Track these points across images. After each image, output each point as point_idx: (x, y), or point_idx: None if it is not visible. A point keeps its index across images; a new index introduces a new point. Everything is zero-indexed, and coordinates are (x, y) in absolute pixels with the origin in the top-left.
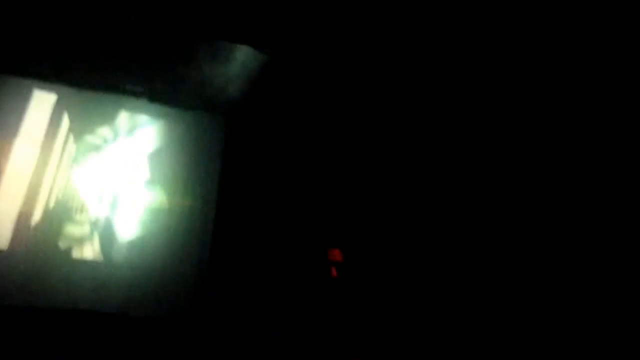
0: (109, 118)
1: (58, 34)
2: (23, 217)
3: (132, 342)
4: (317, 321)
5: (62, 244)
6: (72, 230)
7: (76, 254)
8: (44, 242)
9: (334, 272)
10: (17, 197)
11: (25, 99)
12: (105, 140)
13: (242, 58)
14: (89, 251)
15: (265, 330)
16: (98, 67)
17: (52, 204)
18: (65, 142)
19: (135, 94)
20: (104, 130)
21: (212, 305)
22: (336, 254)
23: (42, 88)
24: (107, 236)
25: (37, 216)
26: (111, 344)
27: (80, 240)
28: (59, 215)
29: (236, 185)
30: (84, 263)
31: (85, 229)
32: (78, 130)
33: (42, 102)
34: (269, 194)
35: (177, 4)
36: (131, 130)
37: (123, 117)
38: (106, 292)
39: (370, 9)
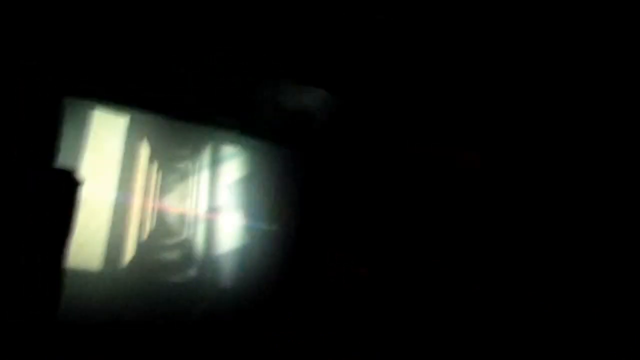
0: (193, 146)
1: (151, 66)
2: (113, 240)
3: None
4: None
5: (148, 266)
6: (161, 253)
7: (162, 276)
8: (132, 264)
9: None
10: (104, 219)
11: (114, 125)
12: (190, 167)
13: (323, 97)
14: (173, 273)
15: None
16: (188, 99)
17: (138, 228)
18: (149, 168)
19: (225, 126)
20: (189, 158)
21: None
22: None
23: (127, 115)
24: (191, 260)
25: (124, 239)
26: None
27: (166, 264)
28: (147, 240)
29: (315, 214)
30: (169, 284)
31: (172, 253)
32: (162, 157)
33: (126, 129)
34: (344, 222)
35: (267, 43)
36: (216, 159)
37: (210, 147)
38: (190, 311)
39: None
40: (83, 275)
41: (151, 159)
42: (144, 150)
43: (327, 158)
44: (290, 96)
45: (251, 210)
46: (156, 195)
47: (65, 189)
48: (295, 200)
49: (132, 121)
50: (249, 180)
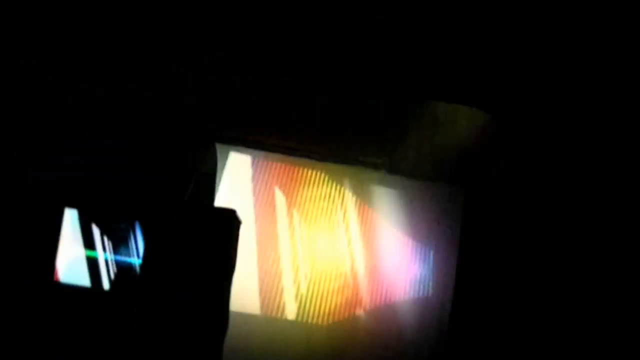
0: (339, 186)
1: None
2: (264, 283)
3: None
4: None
5: (296, 309)
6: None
7: (315, 320)
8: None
9: None
10: (252, 261)
11: (256, 169)
12: (336, 209)
13: (478, 123)
14: (335, 320)
15: None
16: (337, 141)
17: (285, 270)
18: (291, 210)
19: (374, 166)
20: (334, 199)
21: None
22: None
23: (265, 159)
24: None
25: (276, 281)
26: None
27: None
28: (294, 283)
29: (475, 253)
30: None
31: (333, 299)
32: (305, 198)
33: (264, 171)
34: (505, 261)
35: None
36: (361, 199)
37: (355, 187)
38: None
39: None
40: (244, 319)
41: (294, 203)
42: (285, 194)
43: (487, 193)
44: (447, 125)
45: (406, 254)
46: (307, 239)
47: (230, 228)
48: (454, 240)
49: (268, 163)
50: (398, 221)
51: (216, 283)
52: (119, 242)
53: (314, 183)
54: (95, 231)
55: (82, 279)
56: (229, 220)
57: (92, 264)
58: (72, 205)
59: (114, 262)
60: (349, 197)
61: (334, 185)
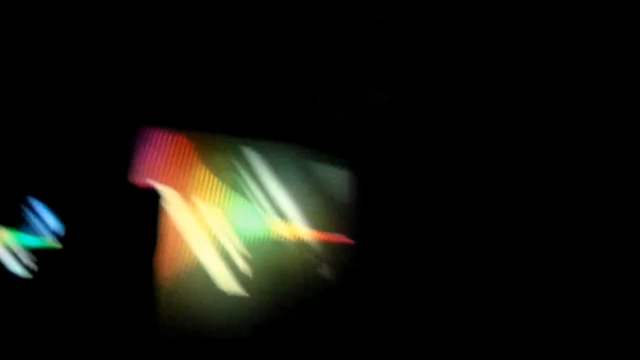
0: (244, 161)
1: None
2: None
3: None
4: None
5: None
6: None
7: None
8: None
9: None
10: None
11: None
12: (241, 181)
13: (370, 101)
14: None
15: None
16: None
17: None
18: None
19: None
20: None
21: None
22: None
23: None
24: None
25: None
26: None
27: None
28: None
29: (364, 219)
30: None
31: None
32: (210, 173)
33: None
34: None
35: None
36: (264, 170)
37: (257, 159)
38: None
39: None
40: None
41: (210, 176)
42: (204, 168)
43: (375, 165)
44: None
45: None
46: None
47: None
48: (347, 208)
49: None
50: (300, 190)
51: (142, 260)
52: (33, 223)
53: (213, 155)
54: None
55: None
56: (152, 197)
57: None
58: None
59: (29, 245)
60: (246, 168)
61: (235, 157)
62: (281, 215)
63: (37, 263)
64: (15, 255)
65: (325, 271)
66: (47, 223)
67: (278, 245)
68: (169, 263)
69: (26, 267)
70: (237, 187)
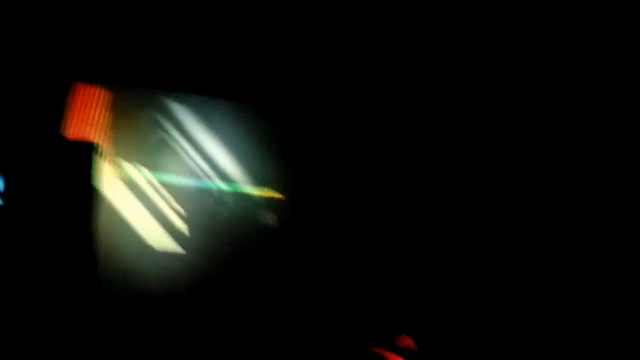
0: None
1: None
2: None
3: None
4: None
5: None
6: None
7: (151, 242)
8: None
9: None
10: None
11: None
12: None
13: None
14: (161, 242)
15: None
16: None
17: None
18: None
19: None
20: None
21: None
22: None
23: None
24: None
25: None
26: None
27: (151, 232)
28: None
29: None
30: (156, 254)
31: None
32: (141, 128)
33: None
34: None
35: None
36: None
37: (188, 113)
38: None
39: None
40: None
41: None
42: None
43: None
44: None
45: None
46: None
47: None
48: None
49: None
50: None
51: (81, 216)
52: None
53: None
54: None
55: None
56: (88, 151)
57: None
58: None
59: None
60: (177, 123)
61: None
62: (214, 170)
63: None
64: None
65: (258, 225)
66: None
67: (210, 200)
68: (100, 221)
69: None
70: (168, 143)
